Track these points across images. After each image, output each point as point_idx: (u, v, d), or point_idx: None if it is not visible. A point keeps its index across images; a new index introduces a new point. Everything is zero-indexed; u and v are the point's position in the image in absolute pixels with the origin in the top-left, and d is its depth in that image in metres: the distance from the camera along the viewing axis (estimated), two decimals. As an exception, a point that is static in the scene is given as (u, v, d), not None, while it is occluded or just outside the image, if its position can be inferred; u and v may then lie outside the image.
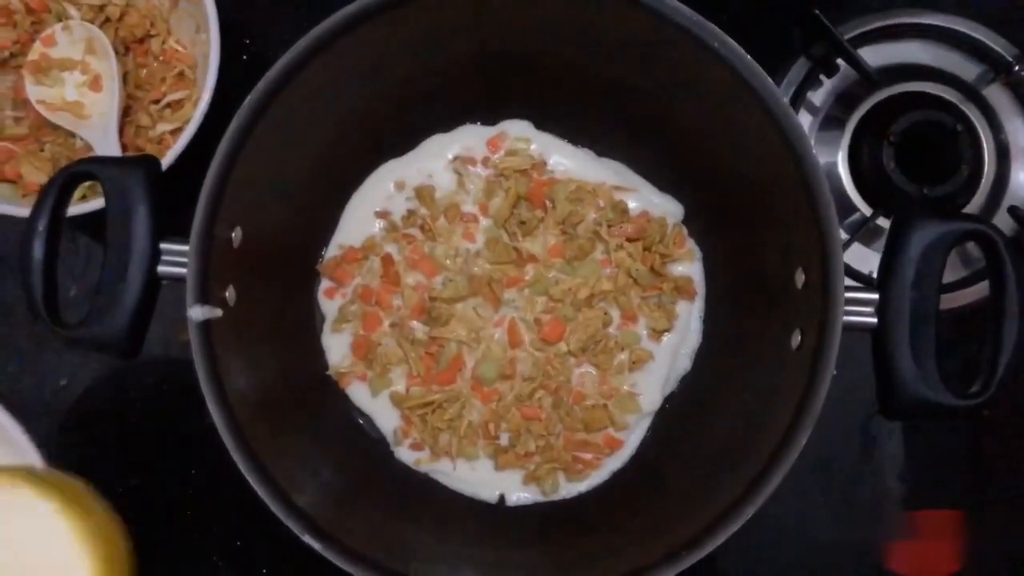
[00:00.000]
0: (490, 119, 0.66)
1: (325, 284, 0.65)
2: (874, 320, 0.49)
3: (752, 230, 0.58)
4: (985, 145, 0.71)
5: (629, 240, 0.63)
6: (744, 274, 0.60)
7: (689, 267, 0.64)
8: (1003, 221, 0.71)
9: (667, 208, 0.64)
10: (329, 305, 0.64)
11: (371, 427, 0.64)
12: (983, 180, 0.71)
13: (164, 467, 0.72)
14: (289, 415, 0.58)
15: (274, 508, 0.49)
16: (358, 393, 0.64)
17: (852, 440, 0.73)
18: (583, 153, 0.65)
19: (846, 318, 0.49)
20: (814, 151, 0.49)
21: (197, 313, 0.50)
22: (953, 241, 0.48)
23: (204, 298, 0.50)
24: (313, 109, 0.56)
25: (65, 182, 0.51)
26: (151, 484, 0.72)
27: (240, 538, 0.72)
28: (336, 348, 0.64)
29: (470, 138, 0.65)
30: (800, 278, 0.52)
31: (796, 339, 0.52)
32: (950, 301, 0.71)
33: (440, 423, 0.62)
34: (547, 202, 0.63)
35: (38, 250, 0.50)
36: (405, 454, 0.63)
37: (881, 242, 0.71)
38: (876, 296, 0.49)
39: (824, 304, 0.49)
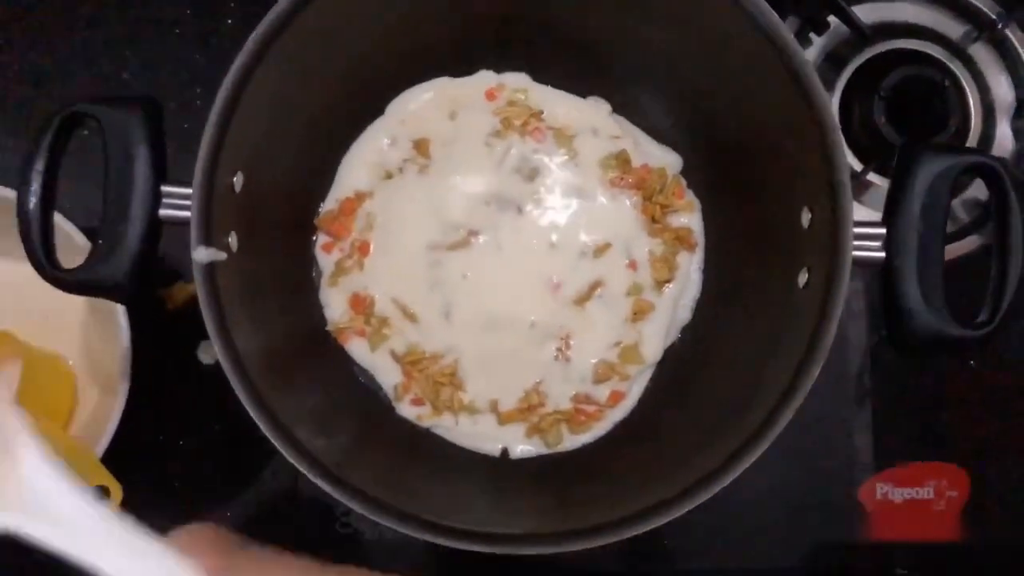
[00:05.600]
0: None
1: (323, 239, 0.64)
2: (882, 255, 0.50)
3: (755, 177, 0.58)
4: (971, 101, 0.72)
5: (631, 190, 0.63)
6: (746, 220, 0.60)
7: (689, 218, 0.64)
8: (991, 175, 0.72)
9: (666, 159, 0.64)
10: (326, 259, 0.63)
11: (373, 382, 0.63)
12: (970, 135, 0.72)
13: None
14: (293, 367, 0.57)
15: (282, 449, 0.48)
16: (358, 349, 0.63)
17: (844, 395, 0.73)
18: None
19: (855, 253, 0.49)
20: (823, 89, 0.50)
21: (202, 255, 0.49)
22: (958, 173, 0.49)
23: (208, 240, 0.49)
24: (311, 56, 0.55)
25: (61, 123, 0.49)
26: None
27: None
28: (335, 304, 0.63)
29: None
30: (807, 217, 0.52)
31: (803, 278, 0.52)
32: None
33: (441, 377, 0.62)
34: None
35: (34, 194, 0.49)
36: (407, 410, 0.62)
37: (872, 197, 0.72)
38: (883, 231, 0.50)
39: (833, 240, 0.49)
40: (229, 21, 0.77)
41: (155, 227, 0.49)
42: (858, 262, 0.49)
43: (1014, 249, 0.48)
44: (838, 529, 0.72)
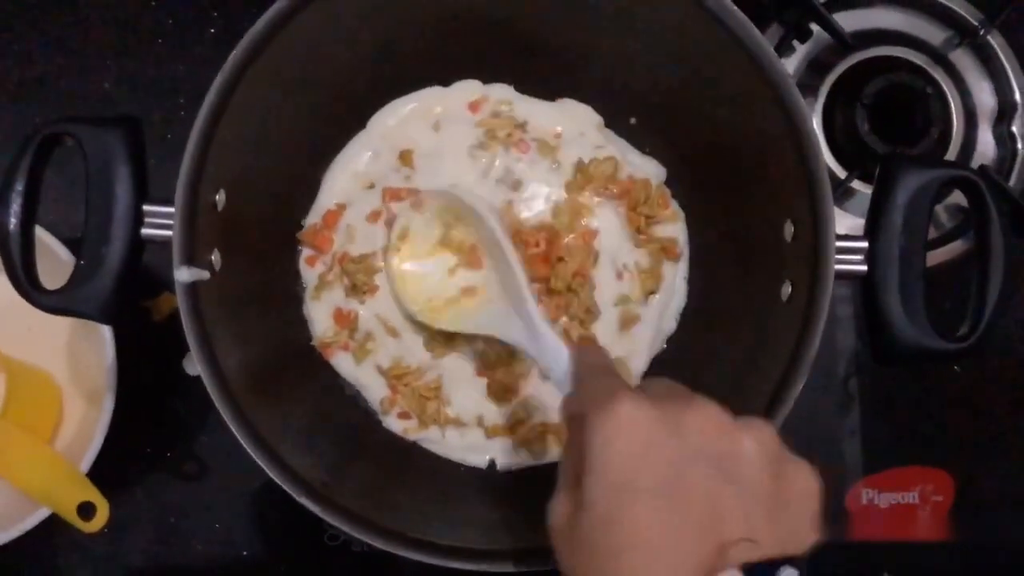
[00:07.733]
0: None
1: (306, 252, 0.64)
2: (864, 268, 0.50)
3: (738, 189, 0.58)
4: (953, 107, 0.73)
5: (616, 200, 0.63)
6: (730, 232, 0.60)
7: (673, 228, 0.64)
8: (973, 181, 0.72)
9: (650, 170, 0.64)
10: (310, 273, 0.63)
11: (359, 396, 0.63)
12: (952, 141, 0.73)
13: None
14: (278, 383, 0.57)
15: (267, 468, 0.48)
16: (343, 363, 0.62)
17: (830, 400, 0.74)
18: (565, 116, 0.65)
19: (837, 267, 0.49)
20: (803, 100, 0.50)
21: (184, 275, 0.49)
22: (939, 187, 0.49)
23: (190, 259, 0.49)
24: (293, 71, 0.55)
25: (41, 143, 0.49)
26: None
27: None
28: (319, 318, 0.63)
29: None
30: (789, 230, 0.53)
31: (786, 291, 0.53)
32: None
33: (427, 391, 0.62)
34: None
35: (15, 216, 0.49)
36: (393, 423, 0.62)
37: (855, 203, 0.73)
38: (865, 244, 0.50)
39: (815, 254, 0.49)
40: (212, 31, 0.76)
41: (137, 248, 0.49)
42: (840, 275, 0.49)
43: (994, 262, 0.48)
44: (824, 534, 0.72)
